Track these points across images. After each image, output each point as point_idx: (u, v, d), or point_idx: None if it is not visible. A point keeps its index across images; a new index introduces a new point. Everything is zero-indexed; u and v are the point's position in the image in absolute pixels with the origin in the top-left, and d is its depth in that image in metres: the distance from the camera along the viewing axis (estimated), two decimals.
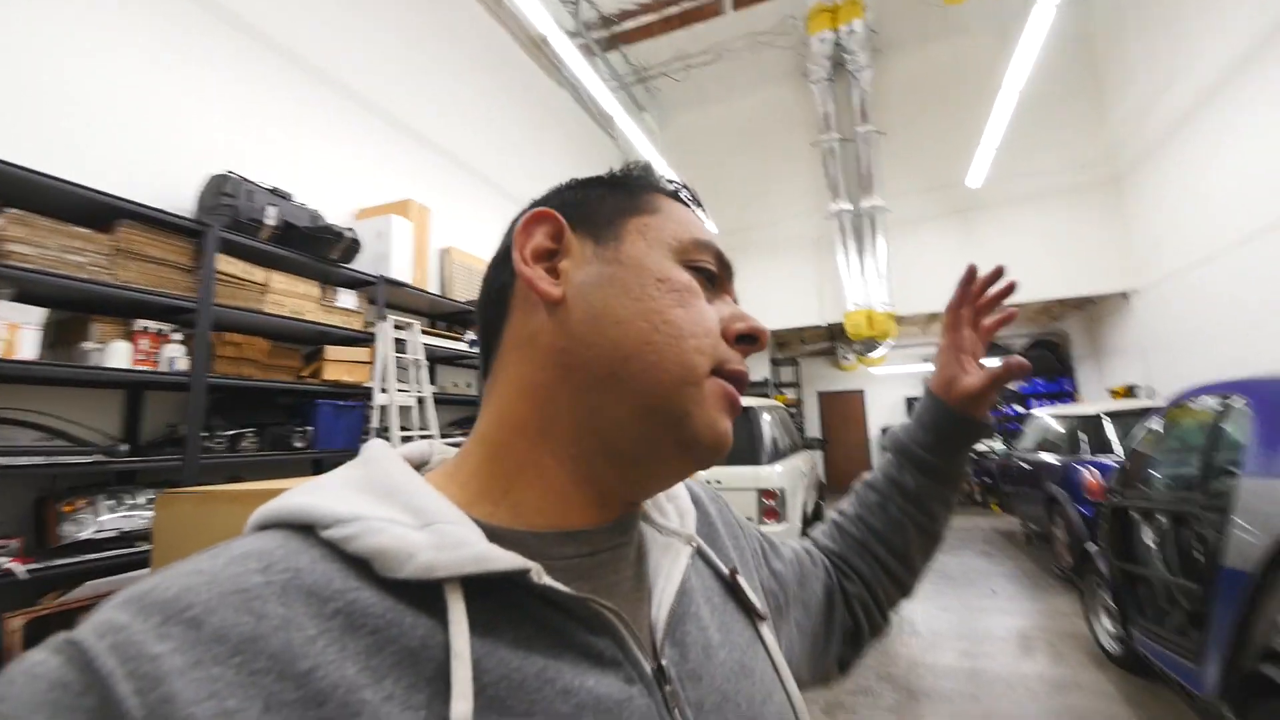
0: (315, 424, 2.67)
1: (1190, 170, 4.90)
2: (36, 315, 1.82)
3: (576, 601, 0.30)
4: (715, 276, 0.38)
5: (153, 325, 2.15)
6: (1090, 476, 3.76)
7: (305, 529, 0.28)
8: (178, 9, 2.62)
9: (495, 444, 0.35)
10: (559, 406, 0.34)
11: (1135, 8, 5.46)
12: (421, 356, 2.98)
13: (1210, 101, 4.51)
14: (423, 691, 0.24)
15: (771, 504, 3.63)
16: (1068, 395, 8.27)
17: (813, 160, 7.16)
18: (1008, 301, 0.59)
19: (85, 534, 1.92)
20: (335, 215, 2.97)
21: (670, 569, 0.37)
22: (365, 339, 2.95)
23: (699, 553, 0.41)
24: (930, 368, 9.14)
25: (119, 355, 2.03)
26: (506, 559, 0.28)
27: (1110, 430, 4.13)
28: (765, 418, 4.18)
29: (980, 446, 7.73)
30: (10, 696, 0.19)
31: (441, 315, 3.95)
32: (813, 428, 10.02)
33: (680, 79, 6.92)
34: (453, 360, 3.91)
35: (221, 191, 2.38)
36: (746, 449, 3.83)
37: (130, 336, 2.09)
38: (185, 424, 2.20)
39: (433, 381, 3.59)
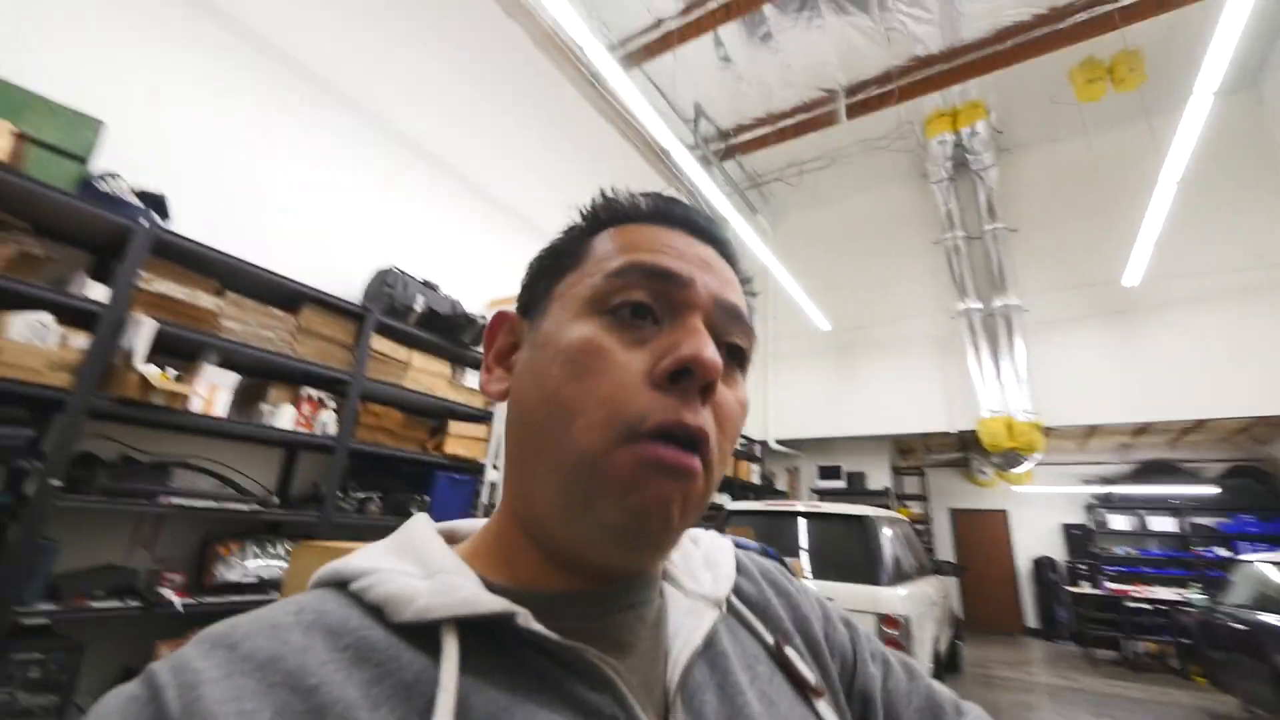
0: (432, 494, 2.84)
1: None
2: (232, 380, 2.18)
3: (567, 650, 0.30)
4: (644, 308, 0.33)
5: (315, 393, 2.48)
6: None
7: (341, 585, 0.32)
8: (364, 134, 3.28)
9: (500, 519, 0.37)
10: (512, 490, 0.36)
11: None
12: None
13: None
14: None
15: (894, 633, 3.15)
16: None
17: (935, 258, 6.90)
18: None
19: (233, 576, 2.14)
20: (472, 304, 3.33)
21: (690, 632, 0.35)
22: (485, 417, 3.16)
23: (741, 620, 0.39)
24: (1090, 490, 7.83)
25: (285, 418, 2.34)
26: (494, 602, 0.30)
27: None
28: (886, 531, 3.74)
29: (1171, 594, 6.29)
30: (101, 708, 0.25)
31: None
32: (944, 549, 8.82)
33: (794, 183, 7.18)
34: None
35: (384, 282, 2.79)
36: (862, 565, 3.42)
37: (296, 402, 2.41)
38: (326, 484, 2.45)
39: None
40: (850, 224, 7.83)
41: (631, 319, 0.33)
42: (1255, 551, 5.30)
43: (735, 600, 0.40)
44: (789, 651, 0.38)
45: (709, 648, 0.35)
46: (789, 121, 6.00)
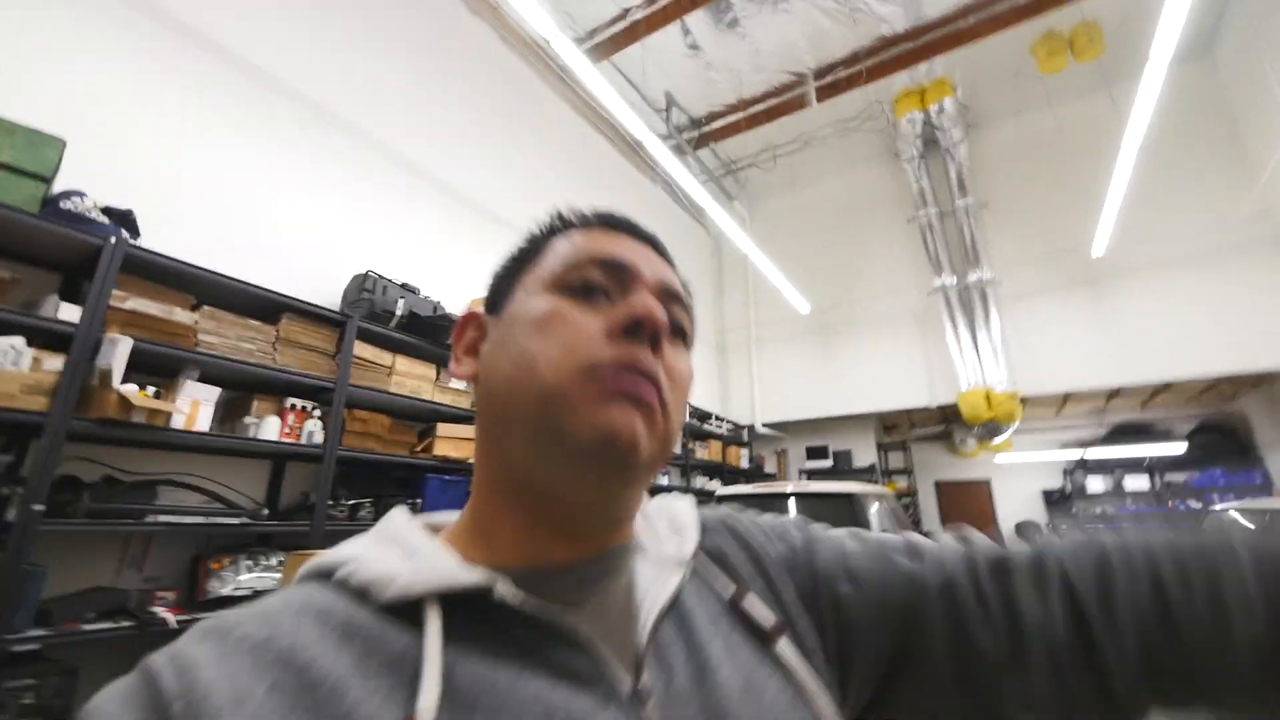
0: (424, 497, 2.84)
1: None
2: (214, 394, 2.16)
3: (545, 618, 0.32)
4: (595, 286, 0.38)
5: (299, 403, 2.45)
6: None
7: (326, 576, 0.34)
8: (334, 140, 3.23)
9: (473, 502, 0.40)
10: (488, 460, 0.39)
11: (1273, 60, 5.01)
12: None
13: None
14: (402, 691, 0.28)
15: None
16: (1261, 491, 6.84)
17: (910, 236, 6.99)
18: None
19: (226, 590, 2.13)
20: (453, 305, 3.31)
21: (658, 593, 0.37)
22: (473, 417, 3.15)
23: (705, 577, 0.42)
24: (1067, 455, 8.05)
25: (271, 429, 2.32)
26: (470, 576, 0.32)
27: None
28: (873, 507, 3.82)
29: None
30: (103, 698, 0.26)
31: None
32: (930, 520, 9.02)
33: (768, 168, 7.20)
34: None
35: (363, 288, 2.76)
36: None
37: (281, 413, 2.39)
38: (316, 493, 2.44)
39: None
40: (826, 206, 7.89)
41: (587, 295, 0.38)
42: (1224, 502, 5.51)
43: (701, 558, 0.42)
44: (747, 601, 0.40)
45: (675, 607, 0.38)
46: (760, 106, 6.02)
